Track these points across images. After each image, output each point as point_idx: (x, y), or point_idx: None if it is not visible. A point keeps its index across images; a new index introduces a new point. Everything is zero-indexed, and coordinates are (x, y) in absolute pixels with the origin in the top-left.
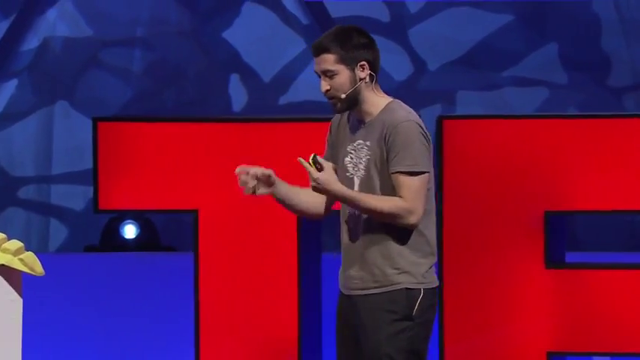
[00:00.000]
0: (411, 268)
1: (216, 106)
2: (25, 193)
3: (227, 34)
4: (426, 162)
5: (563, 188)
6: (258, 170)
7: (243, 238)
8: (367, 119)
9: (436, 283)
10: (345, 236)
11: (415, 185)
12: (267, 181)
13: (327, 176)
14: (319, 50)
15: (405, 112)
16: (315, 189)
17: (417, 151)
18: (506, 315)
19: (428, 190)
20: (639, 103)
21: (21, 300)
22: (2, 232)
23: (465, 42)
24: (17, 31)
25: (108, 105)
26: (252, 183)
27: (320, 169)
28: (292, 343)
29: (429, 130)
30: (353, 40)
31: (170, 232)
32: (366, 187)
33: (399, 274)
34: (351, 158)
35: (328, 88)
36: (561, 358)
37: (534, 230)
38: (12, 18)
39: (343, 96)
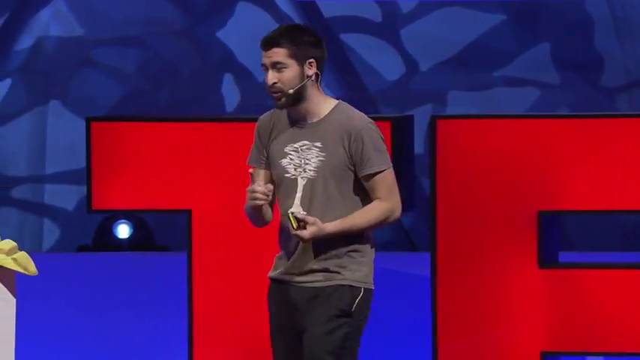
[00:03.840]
0: (353, 266)
1: (210, 105)
2: (19, 192)
3: (221, 34)
4: (389, 158)
5: (556, 188)
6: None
7: (236, 237)
8: (312, 119)
9: (372, 286)
10: (286, 228)
11: (391, 181)
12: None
13: (314, 229)
14: (271, 44)
15: (359, 114)
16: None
17: (384, 150)
18: (500, 315)
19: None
20: (632, 103)
21: (14, 300)
22: None
23: (457, 42)
24: (10, 31)
25: (101, 104)
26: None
27: (303, 225)
28: None
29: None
30: (304, 37)
31: (164, 231)
32: (314, 187)
33: (343, 270)
34: (291, 159)
35: (275, 80)
36: (555, 358)
37: (527, 230)
38: (5, 18)
39: (291, 91)
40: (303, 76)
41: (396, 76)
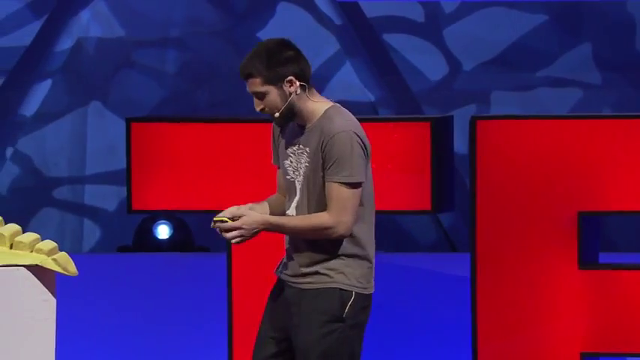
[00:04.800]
0: (345, 269)
1: (250, 106)
2: (59, 193)
3: (262, 35)
4: (361, 173)
5: (597, 189)
6: (230, 213)
7: (275, 238)
8: (307, 125)
9: (371, 290)
10: None
11: (345, 197)
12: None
13: (246, 220)
14: (244, 76)
15: (342, 120)
16: (243, 236)
17: (354, 162)
18: (540, 315)
19: (362, 197)
20: None
21: (54, 300)
22: (36, 232)
23: (499, 42)
24: (50, 32)
25: (141, 105)
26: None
27: (229, 226)
28: None
29: (367, 139)
30: (275, 58)
31: (203, 232)
32: (307, 191)
33: (334, 273)
34: (291, 162)
35: (262, 107)
36: (594, 359)
37: (568, 231)
38: (44, 19)
39: (277, 114)
40: (286, 96)
41: (440, 76)
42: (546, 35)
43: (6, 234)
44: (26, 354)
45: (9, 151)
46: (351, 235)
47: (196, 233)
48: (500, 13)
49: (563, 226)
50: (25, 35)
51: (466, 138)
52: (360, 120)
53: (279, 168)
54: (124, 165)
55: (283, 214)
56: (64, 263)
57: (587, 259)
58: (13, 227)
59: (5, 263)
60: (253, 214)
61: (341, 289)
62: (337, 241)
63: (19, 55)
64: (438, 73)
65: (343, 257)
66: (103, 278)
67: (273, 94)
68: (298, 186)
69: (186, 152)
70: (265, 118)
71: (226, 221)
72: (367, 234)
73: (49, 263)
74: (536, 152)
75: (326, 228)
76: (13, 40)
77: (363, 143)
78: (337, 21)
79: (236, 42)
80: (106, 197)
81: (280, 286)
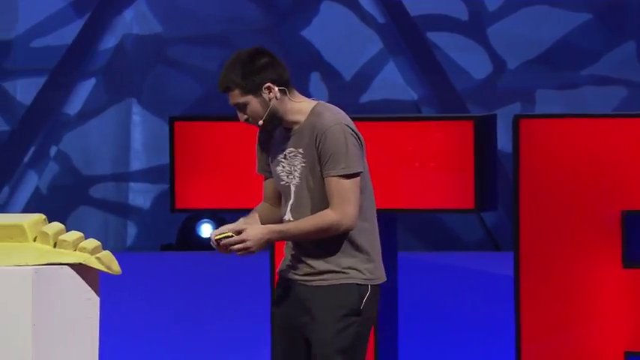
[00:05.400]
0: (357, 265)
1: None
2: (102, 191)
3: (305, 33)
4: (358, 162)
5: None
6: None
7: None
8: (295, 127)
9: (383, 279)
10: None
11: (346, 189)
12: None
13: (250, 233)
14: (223, 89)
15: (332, 114)
16: (249, 248)
17: (349, 153)
18: (583, 315)
19: (361, 189)
20: None
21: (98, 299)
22: (79, 231)
23: (543, 40)
24: (94, 31)
25: (183, 103)
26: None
27: (234, 240)
28: (369, 343)
29: (358, 131)
30: (249, 68)
31: None
32: (302, 194)
33: (346, 269)
34: (283, 167)
35: (246, 117)
36: (639, 358)
37: (612, 230)
38: (86, 17)
39: (261, 122)
40: (266, 103)
41: (484, 74)
42: (590, 33)
43: (50, 232)
44: (70, 353)
45: (53, 150)
46: (358, 231)
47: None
48: (544, 11)
49: (607, 225)
50: (68, 34)
51: (510, 137)
52: (403, 119)
53: (265, 178)
54: (165, 163)
55: (274, 222)
56: (107, 262)
57: (631, 258)
58: (57, 226)
59: (49, 262)
60: (256, 226)
61: (358, 284)
62: (343, 238)
63: (62, 54)
64: (482, 71)
65: (352, 253)
66: (147, 277)
67: (253, 103)
68: (293, 189)
69: (229, 151)
70: None
71: (231, 236)
72: (370, 227)
73: (92, 262)
74: (580, 151)
75: (332, 224)
76: (56, 38)
77: (356, 134)
78: (380, 19)
79: (279, 40)
80: (149, 195)
81: (286, 285)
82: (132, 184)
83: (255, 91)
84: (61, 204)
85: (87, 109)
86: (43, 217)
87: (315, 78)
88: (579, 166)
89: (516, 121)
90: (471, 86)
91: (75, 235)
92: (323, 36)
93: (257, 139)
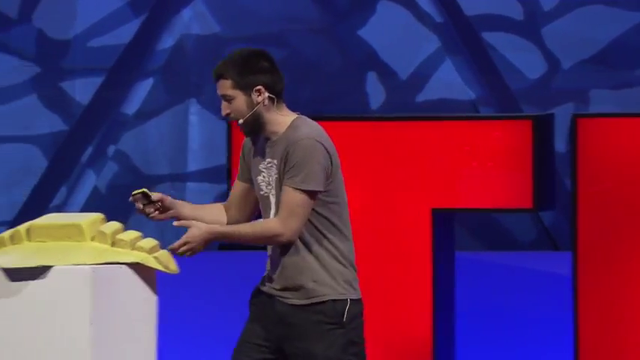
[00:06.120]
0: (332, 280)
1: (354, 104)
2: (160, 191)
3: (362, 32)
4: (316, 181)
5: None
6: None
7: (376, 236)
8: (273, 138)
9: (359, 295)
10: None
11: (296, 202)
12: (162, 207)
13: (192, 233)
14: (217, 76)
15: (307, 128)
16: (193, 249)
17: (311, 169)
18: None
19: (334, 204)
20: None
21: (155, 298)
22: (137, 230)
23: (598, 40)
24: (151, 31)
25: None
26: (140, 205)
27: (179, 244)
28: (426, 342)
29: (333, 149)
30: (249, 66)
31: None
32: (278, 204)
33: (322, 286)
34: (264, 177)
35: (228, 111)
36: None
37: None
38: (144, 17)
39: (241, 121)
40: (252, 104)
41: (538, 74)
42: None
43: (107, 232)
44: (128, 352)
45: (111, 149)
46: (333, 246)
47: None
48: (599, 10)
49: None
50: (125, 33)
51: (564, 136)
52: (460, 118)
53: (243, 183)
54: (223, 163)
55: (200, 211)
56: (165, 261)
57: None
58: (115, 225)
59: (107, 261)
60: (199, 224)
61: (333, 299)
62: (319, 252)
63: (119, 54)
64: (536, 71)
65: (328, 268)
66: (204, 276)
67: (239, 99)
68: (272, 200)
69: None
70: (371, 115)
71: (145, 193)
72: (346, 244)
73: (150, 261)
74: (637, 150)
75: (274, 235)
76: (113, 38)
77: (328, 152)
78: (437, 19)
79: (336, 40)
80: (206, 194)
81: (266, 297)
82: (189, 185)
83: (246, 89)
84: (119, 204)
85: (145, 109)
86: (101, 216)
87: (372, 78)
88: (637, 165)
89: (574, 120)
90: (525, 86)
91: (132, 234)
92: (380, 35)
93: (241, 146)
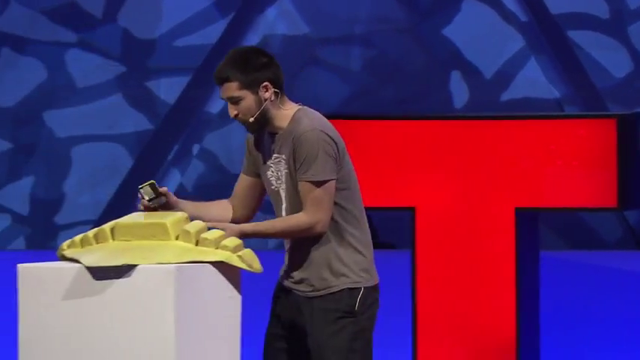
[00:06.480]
0: (347, 268)
1: (437, 102)
2: None
3: (447, 31)
4: (327, 170)
5: None
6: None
7: (460, 236)
8: (279, 132)
9: (376, 280)
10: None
11: (317, 195)
12: (166, 203)
13: (227, 234)
14: (221, 80)
15: (308, 120)
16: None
17: (319, 160)
18: None
19: (345, 190)
20: None
21: (240, 297)
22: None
23: None
24: (236, 30)
25: (326, 102)
26: (147, 198)
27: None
28: (510, 342)
29: (338, 136)
30: (251, 63)
31: (388, 229)
32: (288, 198)
33: (337, 276)
34: (272, 172)
35: (236, 113)
36: None
37: None
38: (230, 17)
39: (252, 119)
40: (260, 102)
41: (624, 72)
42: None
43: (192, 231)
44: (212, 350)
45: (195, 148)
46: (348, 233)
47: (381, 230)
48: None
49: None
50: (212, 33)
51: None
52: (545, 117)
53: (248, 177)
54: None
55: (203, 209)
56: (249, 260)
57: None
58: (199, 224)
59: (191, 260)
60: (231, 225)
61: (349, 288)
62: (334, 242)
63: (206, 53)
64: (622, 69)
65: (342, 257)
66: None
67: (248, 99)
68: (283, 194)
69: (371, 149)
70: (450, 114)
71: (153, 184)
72: (361, 229)
73: (234, 260)
74: None
75: (304, 228)
76: (200, 38)
77: (332, 140)
78: (522, 18)
79: (421, 39)
80: None
81: (283, 293)
82: None
83: (253, 87)
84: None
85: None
86: (185, 215)
87: (456, 76)
88: None
89: None
90: (610, 85)
91: (216, 233)
92: (464, 34)
93: (246, 140)
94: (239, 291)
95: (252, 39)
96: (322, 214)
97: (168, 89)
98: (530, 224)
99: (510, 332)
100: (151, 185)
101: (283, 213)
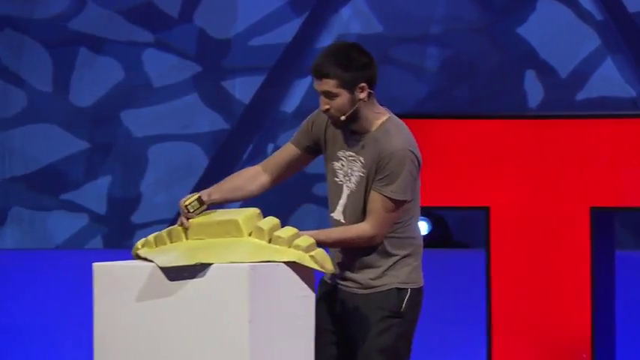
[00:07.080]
0: (396, 270)
1: (512, 102)
2: (320, 189)
3: (522, 30)
4: (407, 192)
5: None
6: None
7: (534, 235)
8: (362, 133)
9: (422, 283)
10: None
11: (386, 209)
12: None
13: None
14: (320, 75)
15: (400, 137)
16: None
17: (403, 180)
18: None
19: (411, 201)
20: None
21: (314, 296)
22: (296, 227)
23: None
24: (311, 29)
25: (402, 102)
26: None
27: None
28: (586, 342)
29: (419, 153)
30: (353, 63)
31: (462, 228)
32: (355, 199)
33: (386, 275)
34: (342, 165)
35: (328, 107)
36: None
37: None
38: (305, 16)
39: (343, 118)
40: (354, 102)
41: None
42: None
43: (265, 228)
44: (286, 349)
45: (270, 147)
46: (402, 237)
47: (455, 229)
48: None
49: None
50: (286, 32)
51: None
52: (621, 116)
53: (296, 149)
54: None
55: (237, 193)
56: (321, 260)
57: None
58: (272, 221)
59: (264, 259)
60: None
61: (398, 288)
62: (386, 245)
63: (280, 53)
64: None
65: (394, 259)
66: None
67: (344, 97)
68: (346, 191)
69: (445, 149)
70: (524, 114)
71: (199, 198)
72: (415, 233)
73: (306, 260)
74: None
75: (365, 239)
76: (275, 37)
77: (418, 160)
78: (598, 16)
79: (496, 38)
80: None
81: (329, 291)
82: None
83: (351, 86)
84: (281, 202)
85: (304, 108)
86: (258, 211)
87: (531, 75)
88: None
89: None
90: None
91: (290, 231)
92: (539, 33)
93: (311, 117)
94: (313, 289)
95: (327, 38)
96: (384, 230)
97: (243, 89)
98: (605, 224)
99: (585, 333)
100: (198, 200)
101: (339, 208)
